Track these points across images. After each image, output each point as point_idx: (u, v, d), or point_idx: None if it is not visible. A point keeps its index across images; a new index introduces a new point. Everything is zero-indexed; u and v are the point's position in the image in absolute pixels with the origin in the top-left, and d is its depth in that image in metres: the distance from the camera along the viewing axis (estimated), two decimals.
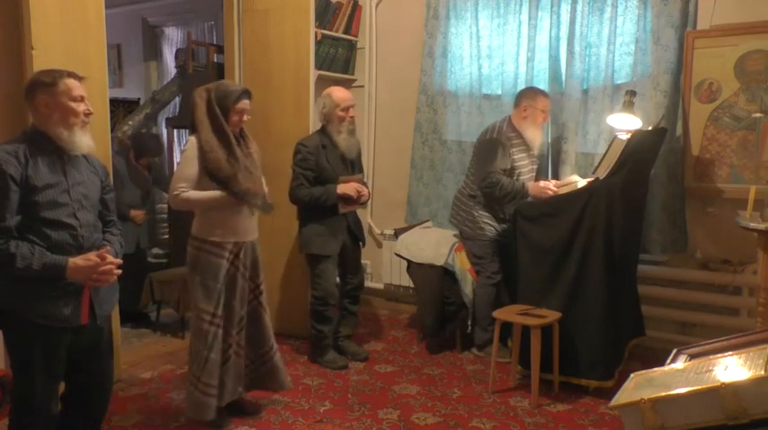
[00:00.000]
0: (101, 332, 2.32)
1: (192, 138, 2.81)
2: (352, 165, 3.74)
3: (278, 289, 4.22)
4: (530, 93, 3.75)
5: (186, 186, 2.77)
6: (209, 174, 2.76)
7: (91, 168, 2.31)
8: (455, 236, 4.04)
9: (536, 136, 3.75)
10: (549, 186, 3.58)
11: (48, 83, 2.15)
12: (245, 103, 2.85)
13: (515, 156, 3.71)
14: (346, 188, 3.55)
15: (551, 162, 4.11)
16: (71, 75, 2.18)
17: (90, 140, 2.23)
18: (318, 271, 3.65)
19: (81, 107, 2.17)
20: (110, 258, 2.15)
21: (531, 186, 3.63)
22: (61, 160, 2.17)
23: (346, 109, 3.61)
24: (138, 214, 4.44)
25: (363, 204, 3.80)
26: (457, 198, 4.00)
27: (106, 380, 2.41)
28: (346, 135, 3.64)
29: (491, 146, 3.70)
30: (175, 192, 2.78)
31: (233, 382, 2.94)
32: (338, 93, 3.64)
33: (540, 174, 3.98)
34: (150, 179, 4.66)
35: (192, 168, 2.77)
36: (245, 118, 2.87)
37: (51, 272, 2.06)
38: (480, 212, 3.81)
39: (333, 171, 3.59)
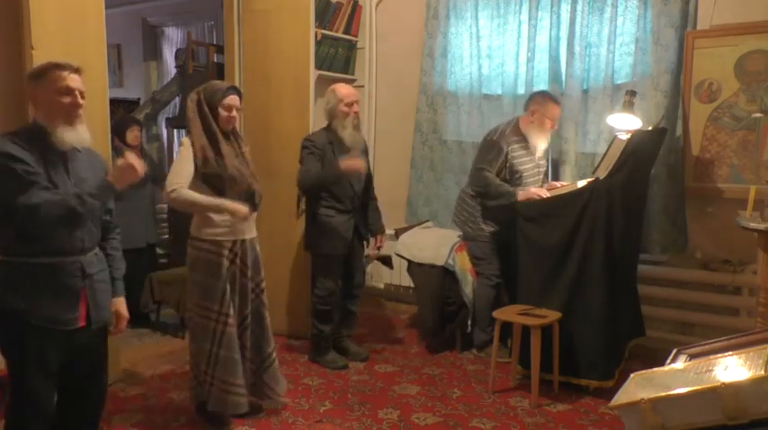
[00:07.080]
0: (95, 336, 2.28)
1: (186, 138, 2.84)
2: None
3: (278, 289, 4.20)
4: (539, 98, 3.67)
5: (182, 183, 2.74)
6: (198, 169, 2.76)
7: (96, 164, 2.28)
8: (459, 236, 4.03)
9: (540, 141, 3.70)
10: (540, 193, 3.54)
11: (35, 75, 2.10)
12: (232, 99, 2.83)
13: (517, 161, 3.67)
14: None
15: (551, 162, 4.10)
16: (61, 66, 2.09)
17: (83, 134, 2.14)
18: (324, 270, 3.65)
19: (66, 100, 2.07)
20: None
21: (521, 193, 3.56)
22: (63, 155, 2.12)
23: (350, 104, 3.60)
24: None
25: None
26: (460, 197, 3.99)
27: (100, 381, 2.38)
28: (351, 130, 3.63)
29: (488, 146, 3.71)
30: (172, 188, 2.71)
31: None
32: (342, 89, 3.64)
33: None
34: (146, 162, 4.58)
35: (189, 165, 2.76)
36: (233, 113, 2.85)
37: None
38: (482, 212, 3.81)
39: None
